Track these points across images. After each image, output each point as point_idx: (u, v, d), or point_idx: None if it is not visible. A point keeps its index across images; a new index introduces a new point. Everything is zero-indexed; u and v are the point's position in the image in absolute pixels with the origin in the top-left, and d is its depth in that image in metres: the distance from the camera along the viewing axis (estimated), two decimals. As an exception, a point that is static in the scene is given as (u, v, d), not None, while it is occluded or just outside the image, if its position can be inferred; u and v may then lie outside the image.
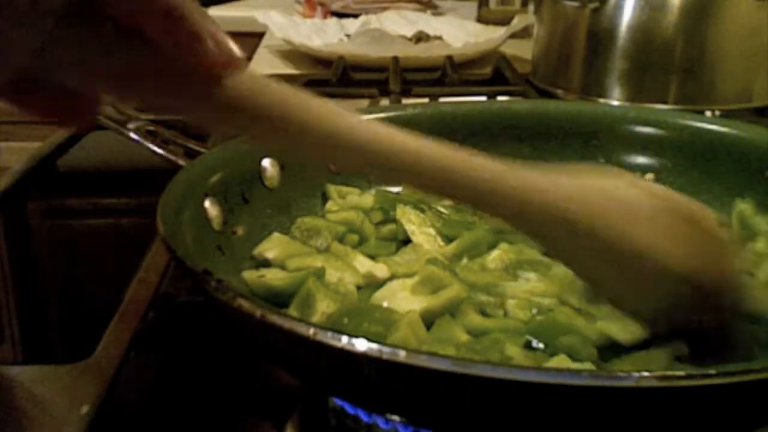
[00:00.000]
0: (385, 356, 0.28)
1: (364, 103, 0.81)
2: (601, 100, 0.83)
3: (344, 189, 0.55)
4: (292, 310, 0.41)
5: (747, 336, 0.37)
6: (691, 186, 0.56)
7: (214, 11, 1.82)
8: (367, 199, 0.54)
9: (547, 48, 0.92)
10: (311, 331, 0.29)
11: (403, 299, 0.41)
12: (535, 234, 0.37)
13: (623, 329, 0.38)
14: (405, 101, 0.80)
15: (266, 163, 0.51)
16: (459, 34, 1.27)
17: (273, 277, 0.44)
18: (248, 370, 0.44)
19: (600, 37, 0.83)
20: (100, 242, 0.66)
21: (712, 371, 0.27)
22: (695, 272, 0.34)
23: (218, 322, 0.43)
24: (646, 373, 0.27)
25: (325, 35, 1.26)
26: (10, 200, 0.66)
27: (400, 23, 1.33)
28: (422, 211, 0.50)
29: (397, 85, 0.87)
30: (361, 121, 0.34)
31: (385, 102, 0.81)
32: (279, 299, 0.42)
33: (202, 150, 0.52)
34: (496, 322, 0.40)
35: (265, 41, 1.32)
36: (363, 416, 0.36)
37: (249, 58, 1.22)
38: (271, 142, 0.39)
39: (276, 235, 0.49)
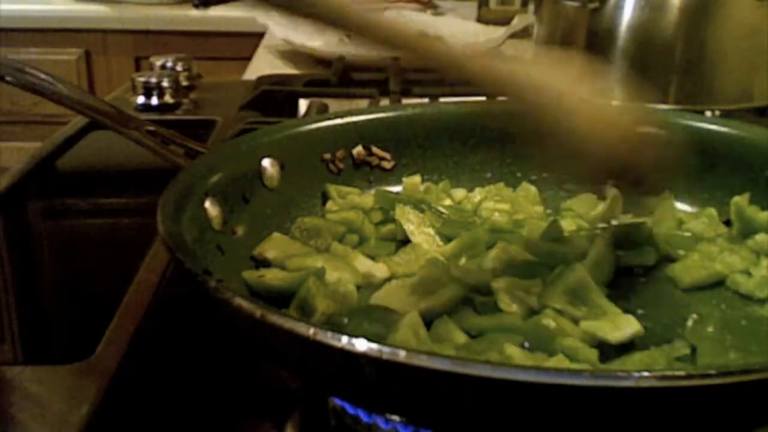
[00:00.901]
0: (385, 356, 0.28)
1: (364, 103, 0.81)
2: (601, 100, 0.83)
3: (344, 189, 0.55)
4: (292, 310, 0.42)
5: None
6: (691, 186, 0.56)
7: (214, 11, 1.82)
8: (367, 199, 0.54)
9: (547, 48, 0.92)
10: (311, 331, 0.29)
11: (402, 299, 0.41)
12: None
13: (611, 328, 0.38)
14: (405, 101, 0.80)
15: (266, 163, 0.51)
16: (459, 34, 1.27)
17: (273, 277, 0.44)
18: (248, 370, 0.44)
19: (600, 37, 0.83)
20: (100, 242, 0.66)
21: (712, 371, 0.27)
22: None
23: (218, 323, 0.43)
24: (645, 373, 0.27)
25: (325, 35, 1.26)
26: (10, 200, 0.66)
27: (400, 23, 1.33)
28: (422, 211, 0.50)
29: (397, 85, 0.87)
30: None
31: (385, 102, 0.81)
32: (279, 299, 0.42)
33: (202, 150, 0.52)
34: (492, 320, 0.40)
35: (265, 41, 1.32)
36: (363, 416, 0.36)
37: (249, 58, 1.23)
38: None
39: (276, 235, 0.49)
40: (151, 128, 0.52)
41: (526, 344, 0.38)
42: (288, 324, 0.30)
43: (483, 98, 0.58)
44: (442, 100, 0.82)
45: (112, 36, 1.83)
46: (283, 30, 1.20)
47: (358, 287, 0.45)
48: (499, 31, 1.18)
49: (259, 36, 1.36)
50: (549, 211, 0.56)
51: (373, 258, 0.48)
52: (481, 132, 0.59)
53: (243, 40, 1.64)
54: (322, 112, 0.77)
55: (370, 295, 0.43)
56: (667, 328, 0.41)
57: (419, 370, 0.28)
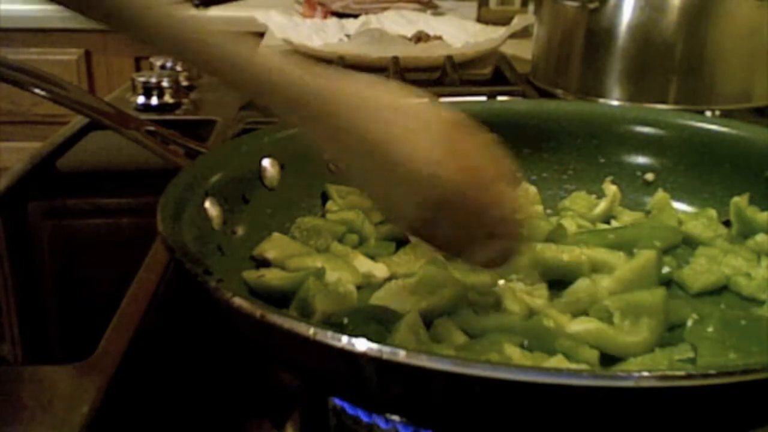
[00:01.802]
0: (385, 356, 0.28)
1: (364, 103, 0.80)
2: (601, 100, 0.83)
3: (344, 189, 0.55)
4: (292, 310, 0.42)
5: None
6: (691, 186, 0.56)
7: (214, 11, 1.82)
8: (367, 199, 0.54)
9: (547, 48, 0.92)
10: (311, 331, 0.29)
11: (402, 299, 0.41)
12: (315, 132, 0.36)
13: (614, 337, 0.38)
14: (405, 101, 0.80)
15: (266, 163, 0.51)
16: (459, 34, 1.27)
17: (273, 277, 0.44)
18: (248, 370, 0.44)
19: (600, 37, 0.83)
20: (100, 242, 0.66)
21: (712, 371, 0.27)
22: (462, 184, 0.34)
23: (218, 323, 0.43)
24: (645, 373, 0.27)
25: (325, 35, 1.26)
26: (10, 200, 0.66)
27: (400, 23, 1.33)
28: None
29: (397, 86, 0.87)
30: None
31: (385, 102, 0.81)
32: (279, 299, 0.42)
33: (202, 150, 0.52)
34: (492, 321, 0.40)
35: (265, 41, 1.32)
36: (363, 416, 0.36)
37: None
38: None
39: (276, 235, 0.49)
40: (151, 128, 0.52)
41: (526, 344, 0.38)
42: (288, 324, 0.30)
43: (483, 98, 0.58)
44: (442, 100, 0.82)
45: (112, 36, 1.83)
46: (283, 30, 1.20)
47: (358, 287, 0.44)
48: (499, 31, 1.18)
49: (259, 36, 1.36)
50: (549, 211, 0.56)
51: (373, 258, 0.48)
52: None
53: (243, 40, 1.64)
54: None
55: (370, 295, 0.43)
56: (671, 331, 0.40)
57: (419, 370, 0.28)
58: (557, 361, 0.36)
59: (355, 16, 1.39)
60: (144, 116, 0.79)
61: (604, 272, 0.45)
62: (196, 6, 1.82)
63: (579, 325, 0.38)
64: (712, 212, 0.52)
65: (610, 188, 0.56)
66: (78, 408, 0.38)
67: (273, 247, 0.48)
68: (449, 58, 1.02)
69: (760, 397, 0.29)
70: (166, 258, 0.52)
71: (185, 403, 0.41)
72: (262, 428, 0.40)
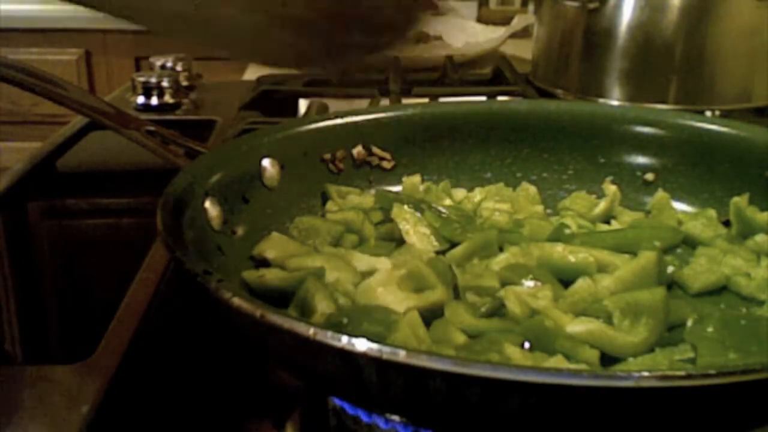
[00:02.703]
0: (385, 356, 0.28)
1: (364, 103, 0.81)
2: (601, 100, 0.83)
3: (344, 189, 0.55)
4: (292, 310, 0.41)
5: None
6: (691, 186, 0.56)
7: (214, 11, 1.82)
8: (367, 199, 0.54)
9: (547, 48, 0.92)
10: (311, 331, 0.29)
11: (390, 293, 0.41)
12: None
13: (614, 337, 0.38)
14: (405, 101, 0.80)
15: (266, 163, 0.51)
16: (459, 34, 1.27)
17: (273, 277, 0.44)
18: (248, 370, 0.44)
19: (600, 37, 0.83)
20: (100, 242, 0.66)
21: (712, 371, 0.27)
22: None
23: (218, 323, 0.43)
24: (645, 373, 0.27)
25: (325, 35, 1.26)
26: (10, 200, 0.66)
27: (400, 23, 1.33)
28: (421, 211, 0.50)
29: (397, 85, 0.87)
30: None
31: (385, 102, 0.81)
32: (279, 299, 0.42)
33: (202, 150, 0.52)
34: (492, 323, 0.40)
35: (265, 41, 1.31)
36: (363, 416, 0.36)
37: (249, 58, 1.22)
38: None
39: (275, 234, 0.49)
40: (151, 128, 0.52)
41: (526, 344, 0.38)
42: (288, 324, 0.30)
43: (483, 98, 0.58)
44: (442, 100, 0.82)
45: (112, 36, 1.83)
46: (283, 30, 1.20)
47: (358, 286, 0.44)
48: (499, 31, 1.18)
49: (259, 36, 1.35)
50: (549, 210, 0.56)
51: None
52: (481, 132, 0.59)
53: (243, 40, 1.64)
54: (322, 112, 0.77)
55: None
56: (672, 331, 0.40)
57: (419, 370, 0.28)
58: (557, 361, 0.36)
59: (355, 16, 1.39)
60: (144, 116, 0.79)
61: (607, 273, 0.45)
62: (196, 6, 1.82)
63: (579, 326, 0.38)
64: (712, 212, 0.52)
65: (610, 188, 0.56)
66: (78, 408, 0.38)
67: (273, 246, 0.48)
68: (449, 58, 1.02)
69: (760, 397, 0.29)
70: (166, 258, 0.52)
71: (185, 403, 0.41)
72: (262, 428, 0.40)
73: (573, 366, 0.36)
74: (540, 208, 0.55)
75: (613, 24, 0.82)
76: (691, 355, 0.38)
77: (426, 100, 0.83)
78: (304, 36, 0.35)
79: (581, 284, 0.43)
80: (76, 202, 0.71)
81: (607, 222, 0.54)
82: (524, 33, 1.22)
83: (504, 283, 0.43)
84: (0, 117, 1.79)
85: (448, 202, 0.55)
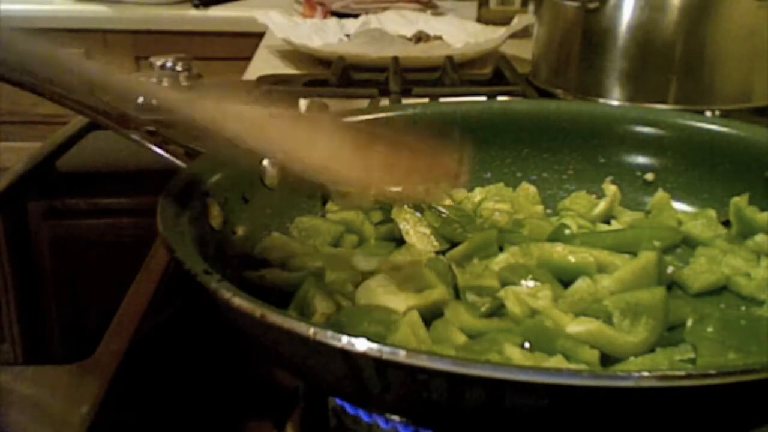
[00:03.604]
0: (385, 356, 0.28)
1: (364, 103, 0.81)
2: (601, 100, 0.83)
3: (344, 189, 0.55)
4: (292, 310, 0.41)
5: None
6: (691, 186, 0.56)
7: (214, 11, 1.82)
8: (367, 199, 0.54)
9: (547, 48, 0.92)
10: (311, 331, 0.29)
11: (390, 293, 0.41)
12: None
13: (614, 337, 0.38)
14: (405, 101, 0.80)
15: (266, 163, 0.51)
16: (459, 34, 1.27)
17: (273, 277, 0.44)
18: (248, 370, 0.44)
19: (600, 37, 0.83)
20: (100, 242, 0.66)
21: (712, 371, 0.27)
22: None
23: (218, 323, 0.43)
24: (645, 373, 0.27)
25: (325, 35, 1.26)
26: (10, 200, 0.66)
27: (400, 23, 1.33)
28: (421, 211, 0.50)
29: (397, 85, 0.87)
30: None
31: (385, 102, 0.81)
32: (279, 299, 0.42)
33: (202, 150, 0.52)
34: (491, 323, 0.40)
35: (265, 41, 1.32)
36: (363, 416, 0.36)
37: (249, 58, 1.23)
38: None
39: (276, 234, 0.49)
40: (151, 128, 0.52)
41: (526, 344, 0.38)
42: (288, 324, 0.30)
43: (483, 98, 0.58)
44: (442, 100, 0.82)
45: (112, 36, 1.83)
46: (283, 30, 1.20)
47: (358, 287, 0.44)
48: (499, 31, 1.18)
49: (259, 36, 1.36)
50: (549, 211, 0.56)
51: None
52: (481, 132, 0.59)
53: (243, 40, 1.64)
54: (322, 112, 0.77)
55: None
56: (672, 331, 0.40)
57: (419, 370, 0.28)
58: (557, 361, 0.36)
59: (355, 16, 1.39)
60: (144, 116, 0.79)
61: (607, 273, 0.45)
62: (196, 6, 1.82)
63: (579, 326, 0.38)
64: (712, 212, 0.52)
65: (610, 188, 0.56)
66: (78, 408, 0.38)
67: (273, 247, 0.48)
68: (449, 58, 1.02)
69: (760, 397, 0.29)
70: (166, 258, 0.52)
71: (185, 403, 0.41)
72: (262, 428, 0.40)
73: (573, 366, 0.36)
74: (540, 208, 0.55)
75: (613, 24, 0.82)
76: (691, 355, 0.38)
77: (426, 100, 0.83)
78: None
79: (581, 284, 0.43)
80: (76, 202, 0.71)
81: (607, 222, 0.54)
82: (524, 33, 1.22)
83: (504, 283, 0.43)
84: (0, 117, 1.79)
85: (448, 202, 0.55)
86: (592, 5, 0.82)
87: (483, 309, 0.41)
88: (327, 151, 0.40)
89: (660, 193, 0.55)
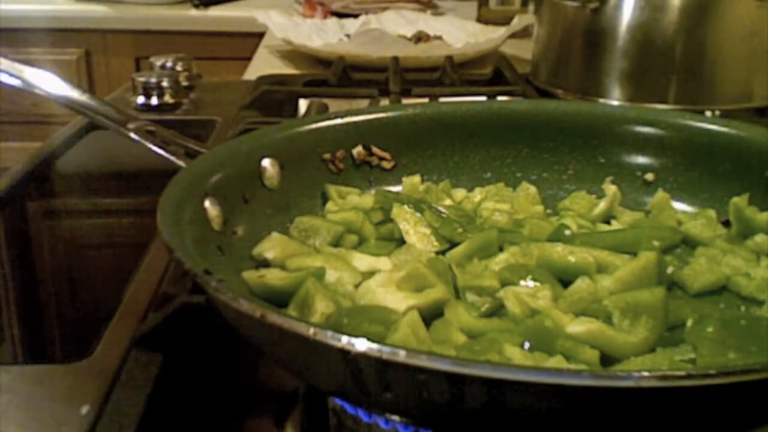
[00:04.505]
0: (385, 356, 0.28)
1: (364, 103, 0.81)
2: (601, 100, 0.83)
3: (344, 189, 0.55)
4: (291, 311, 0.41)
5: None
6: (691, 186, 0.56)
7: (214, 11, 1.82)
8: (367, 199, 0.54)
9: (547, 48, 0.92)
10: (311, 331, 0.29)
11: (390, 293, 0.41)
12: None
13: (614, 337, 0.38)
14: (405, 101, 0.80)
15: (266, 163, 0.51)
16: (459, 34, 1.27)
17: (273, 277, 0.44)
18: (248, 370, 0.44)
19: (600, 38, 0.83)
20: (100, 242, 0.66)
21: (712, 371, 0.27)
22: None
23: (218, 322, 0.43)
24: (645, 373, 0.27)
25: (325, 35, 1.26)
26: (10, 200, 0.66)
27: (400, 23, 1.34)
28: (421, 210, 0.50)
29: (397, 85, 0.87)
30: None
31: (385, 102, 0.81)
32: (279, 299, 0.42)
33: (202, 150, 0.52)
34: (491, 324, 0.40)
35: (265, 41, 1.32)
36: (363, 416, 0.36)
37: (249, 58, 1.23)
38: None
39: (275, 234, 0.49)
40: (151, 128, 0.52)
41: (526, 345, 0.38)
42: (288, 324, 0.30)
43: (483, 98, 0.58)
44: (442, 100, 0.82)
45: (112, 36, 1.83)
46: (283, 30, 1.20)
47: (358, 287, 0.44)
48: (499, 31, 1.18)
49: (259, 36, 1.36)
50: (549, 211, 0.56)
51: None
52: (481, 132, 0.59)
53: (243, 40, 1.64)
54: (322, 112, 0.77)
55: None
56: (672, 331, 0.40)
57: (419, 370, 0.28)
58: (557, 362, 0.36)
59: (355, 16, 1.39)
60: (144, 116, 0.79)
61: (607, 273, 0.45)
62: (196, 6, 1.82)
63: (579, 326, 0.38)
64: (712, 212, 0.52)
65: (610, 188, 0.56)
66: (78, 408, 0.38)
67: (273, 247, 0.48)
68: (449, 58, 1.02)
69: (760, 396, 0.29)
70: (166, 258, 0.52)
71: (185, 403, 0.41)
72: (262, 428, 0.40)
73: (573, 366, 0.36)
74: (540, 208, 0.55)
75: (613, 24, 0.82)
76: (691, 355, 0.38)
77: (426, 100, 0.83)
78: None
79: (581, 284, 0.43)
80: (76, 202, 0.71)
81: (608, 222, 0.54)
82: (524, 33, 1.22)
83: (504, 284, 0.43)
84: (0, 117, 1.79)
85: (448, 202, 0.55)
86: (592, 5, 0.82)
87: (483, 309, 0.41)
88: None
89: (660, 193, 0.55)
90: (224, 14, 1.82)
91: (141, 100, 0.88)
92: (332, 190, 0.54)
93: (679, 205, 0.55)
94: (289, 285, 0.43)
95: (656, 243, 0.48)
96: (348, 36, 1.26)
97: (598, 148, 0.58)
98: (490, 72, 1.01)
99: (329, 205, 0.53)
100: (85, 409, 0.38)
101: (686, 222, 0.52)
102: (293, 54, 1.19)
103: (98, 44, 1.83)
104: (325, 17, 1.44)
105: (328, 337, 0.29)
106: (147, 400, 0.38)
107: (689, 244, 0.51)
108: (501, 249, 0.48)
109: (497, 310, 0.41)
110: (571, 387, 0.27)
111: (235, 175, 0.49)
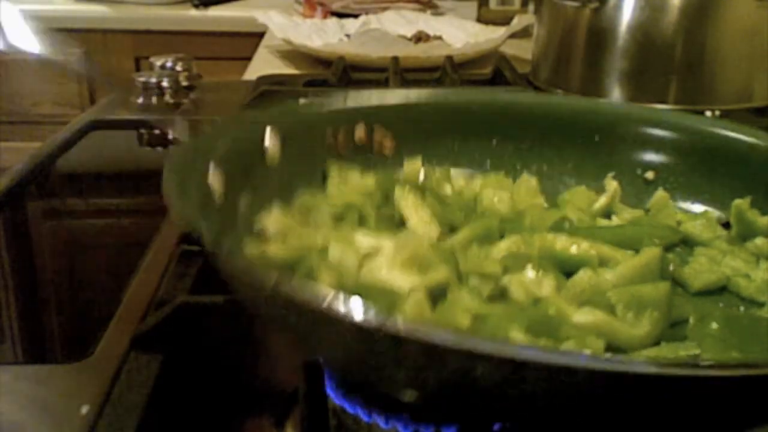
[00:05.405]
0: (403, 331, 0.27)
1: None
2: (601, 100, 0.83)
3: (345, 167, 0.54)
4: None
5: None
6: (691, 186, 0.56)
7: (214, 11, 1.82)
8: (368, 180, 0.53)
9: (547, 48, 0.92)
10: (330, 296, 0.29)
11: (394, 273, 0.41)
12: None
13: (618, 329, 0.38)
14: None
15: (268, 138, 0.51)
16: (459, 34, 1.27)
17: (275, 252, 0.44)
18: (248, 370, 0.44)
19: (600, 37, 0.83)
20: (100, 242, 0.66)
21: (719, 363, 0.27)
22: None
23: (218, 322, 0.43)
24: (666, 362, 0.26)
25: (325, 35, 1.26)
26: (10, 200, 0.66)
27: (400, 23, 1.33)
28: (423, 195, 0.50)
29: (397, 85, 0.87)
30: None
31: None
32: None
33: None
34: (495, 308, 0.40)
35: (265, 41, 1.32)
36: (363, 416, 0.36)
37: (249, 58, 1.23)
38: None
39: (277, 210, 0.48)
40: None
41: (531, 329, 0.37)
42: (306, 292, 0.30)
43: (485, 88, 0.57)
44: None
45: (112, 36, 1.83)
46: (283, 30, 1.20)
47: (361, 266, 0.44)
48: (499, 31, 1.18)
49: (259, 36, 1.36)
50: (548, 204, 0.56)
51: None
52: (483, 122, 0.59)
53: (243, 40, 1.64)
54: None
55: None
56: (674, 327, 0.40)
57: (429, 347, 0.27)
58: (570, 347, 0.36)
59: (355, 16, 1.39)
60: (144, 116, 0.79)
61: (608, 267, 0.45)
62: (196, 6, 1.82)
63: (585, 316, 0.38)
64: (711, 213, 0.52)
65: (611, 184, 0.56)
66: (78, 408, 0.38)
67: (274, 222, 0.47)
68: (449, 58, 1.02)
69: (761, 395, 0.29)
70: (165, 258, 0.52)
71: (185, 402, 0.41)
72: (262, 428, 0.40)
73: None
74: (540, 200, 0.55)
75: (613, 24, 0.82)
76: (696, 351, 0.38)
77: (426, 100, 0.83)
78: None
79: (583, 276, 0.42)
80: (76, 202, 0.71)
81: (607, 217, 0.54)
82: (524, 33, 1.22)
83: (506, 271, 0.43)
84: (0, 117, 1.79)
85: (448, 189, 0.54)
86: (592, 5, 0.82)
87: (486, 293, 0.41)
88: None
89: (660, 192, 0.55)
90: (224, 14, 1.82)
91: (141, 100, 0.88)
92: (333, 168, 0.53)
93: (679, 205, 0.55)
94: (292, 260, 0.42)
95: (656, 241, 0.48)
96: (348, 36, 1.26)
97: (600, 145, 0.58)
98: (490, 72, 1.01)
99: (330, 185, 0.53)
100: (85, 409, 0.38)
101: (685, 222, 0.52)
102: (293, 54, 1.19)
103: (98, 44, 1.83)
104: (325, 17, 1.44)
105: (350, 309, 0.28)
106: (147, 400, 0.38)
107: (688, 244, 0.51)
108: (502, 237, 0.47)
109: (500, 296, 0.41)
110: (591, 371, 0.27)
111: (238, 149, 0.48)
